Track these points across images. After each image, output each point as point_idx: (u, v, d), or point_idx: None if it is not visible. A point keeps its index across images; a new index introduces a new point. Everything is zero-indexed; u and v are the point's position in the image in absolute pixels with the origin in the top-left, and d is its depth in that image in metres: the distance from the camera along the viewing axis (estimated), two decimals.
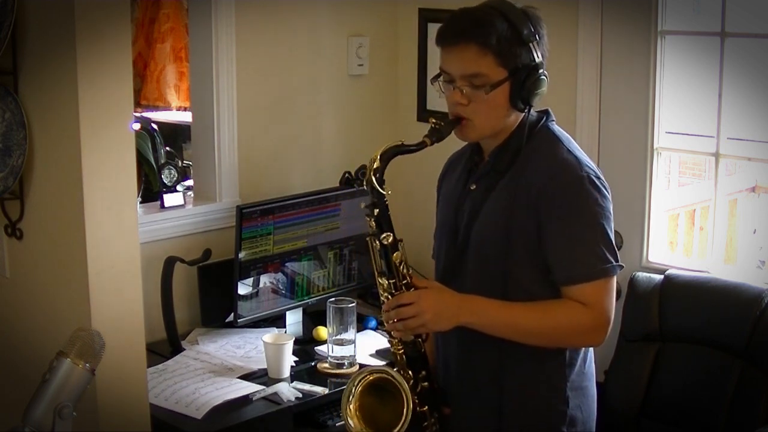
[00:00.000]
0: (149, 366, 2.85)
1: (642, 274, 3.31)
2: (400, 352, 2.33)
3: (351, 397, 2.28)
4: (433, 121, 2.26)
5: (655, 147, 3.40)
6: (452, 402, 2.41)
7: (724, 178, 3.36)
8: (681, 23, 3.33)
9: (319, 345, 3.40)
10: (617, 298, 3.45)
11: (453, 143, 2.45)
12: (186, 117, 5.04)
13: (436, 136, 2.24)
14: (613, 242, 2.24)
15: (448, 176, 2.51)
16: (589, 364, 2.39)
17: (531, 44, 2.23)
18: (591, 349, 2.40)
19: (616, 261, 2.23)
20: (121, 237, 2.53)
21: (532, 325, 2.23)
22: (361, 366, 3.16)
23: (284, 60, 3.71)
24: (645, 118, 3.38)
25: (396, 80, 4.05)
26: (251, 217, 3.32)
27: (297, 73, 3.76)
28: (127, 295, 2.57)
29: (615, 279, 2.25)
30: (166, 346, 3.31)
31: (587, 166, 2.27)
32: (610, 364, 3.32)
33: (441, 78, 2.29)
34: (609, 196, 2.27)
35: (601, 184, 2.26)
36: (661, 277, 3.25)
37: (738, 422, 2.96)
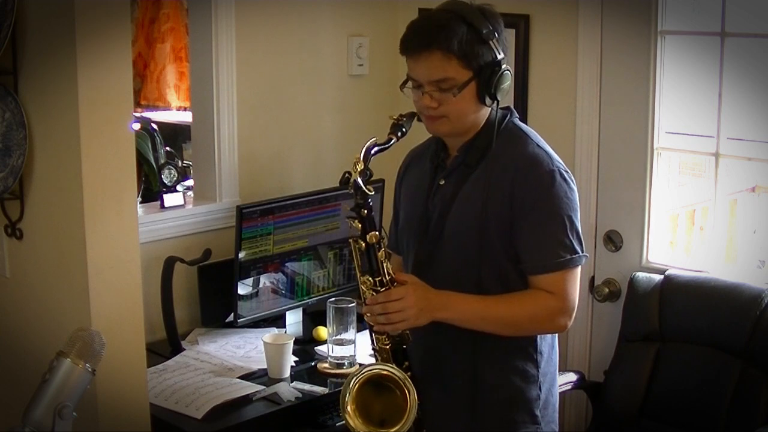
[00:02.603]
0: (149, 366, 2.85)
1: (642, 274, 3.31)
2: (387, 347, 2.39)
3: (348, 396, 2.29)
4: (394, 117, 2.37)
5: (655, 147, 3.40)
6: (425, 394, 2.43)
7: (724, 178, 3.35)
8: (681, 23, 3.33)
9: (319, 345, 3.40)
10: (616, 298, 3.48)
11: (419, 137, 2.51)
12: (186, 117, 5.04)
13: (400, 131, 2.35)
14: (580, 233, 2.35)
15: (410, 171, 2.59)
16: (555, 352, 2.51)
17: (491, 42, 2.30)
18: (556, 339, 2.50)
19: (582, 251, 2.34)
20: (121, 237, 2.53)
21: (503, 315, 2.34)
22: (361, 366, 3.16)
23: (284, 60, 3.71)
24: (645, 118, 3.38)
25: (396, 80, 4.00)
26: (251, 217, 3.32)
27: (297, 73, 3.76)
28: (127, 295, 2.57)
29: (579, 267, 2.35)
30: (166, 346, 3.31)
31: (557, 160, 2.37)
32: (610, 364, 3.32)
33: (409, 84, 2.38)
34: (576, 189, 2.38)
35: (569, 177, 2.37)
36: (661, 277, 3.25)
37: (738, 422, 2.96)
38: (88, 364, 1.85)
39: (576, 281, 2.35)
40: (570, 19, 3.49)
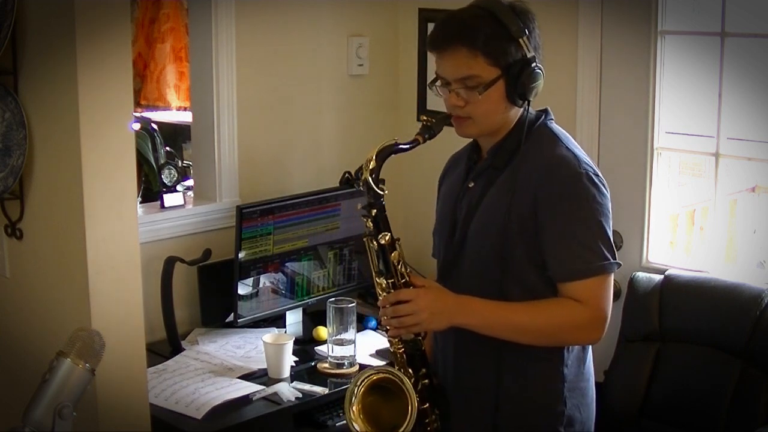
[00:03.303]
0: (149, 366, 2.85)
1: (642, 274, 3.30)
2: (401, 351, 2.33)
3: (354, 398, 2.27)
4: (425, 118, 2.29)
5: (655, 147, 3.40)
6: (447, 403, 2.40)
7: (724, 178, 3.35)
8: (681, 23, 3.33)
9: (319, 345, 3.40)
10: (616, 298, 3.47)
11: (455, 143, 2.47)
12: (186, 117, 5.04)
13: (428, 133, 2.26)
14: (611, 239, 2.24)
15: (449, 175, 2.52)
16: (587, 365, 2.40)
17: (520, 39, 2.22)
18: (589, 350, 2.40)
19: (614, 258, 2.23)
20: (121, 237, 2.53)
21: (527, 324, 2.23)
22: (361, 366, 3.16)
23: (284, 60, 3.71)
24: (645, 118, 3.38)
25: (396, 80, 4.05)
26: (251, 217, 3.32)
27: (297, 73, 3.76)
28: (127, 295, 2.57)
29: (612, 276, 2.24)
30: (166, 346, 3.31)
31: (586, 163, 2.27)
32: (610, 364, 3.32)
33: (438, 82, 2.30)
34: (608, 194, 2.27)
35: (600, 181, 2.26)
36: (661, 277, 3.25)
37: (738, 422, 2.96)
38: (88, 364, 1.85)
39: (608, 290, 2.22)
40: (570, 19, 3.49)
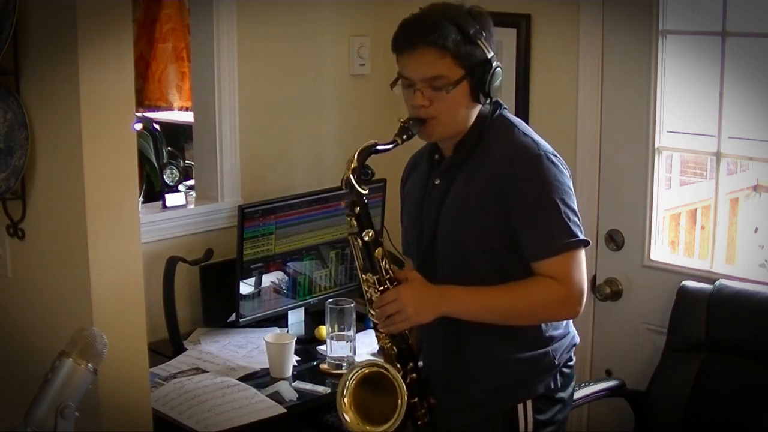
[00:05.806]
0: (151, 366, 2.86)
1: (691, 283, 3.24)
2: (389, 345, 2.40)
3: (345, 391, 2.32)
4: (402, 120, 2.36)
5: (656, 146, 3.39)
6: (438, 394, 2.47)
7: (725, 177, 3.36)
8: (682, 23, 3.33)
9: (321, 344, 3.40)
10: (617, 297, 3.47)
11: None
12: (188, 117, 5.04)
13: (406, 134, 2.34)
14: (577, 216, 2.33)
15: (412, 176, 2.61)
16: (572, 337, 2.50)
17: (479, 41, 2.31)
18: (569, 324, 2.49)
19: (581, 234, 2.32)
20: (123, 237, 2.54)
21: (508, 306, 2.33)
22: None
23: (286, 59, 3.72)
24: (646, 117, 3.38)
25: None
26: (253, 216, 3.32)
27: (298, 72, 3.76)
28: (129, 295, 2.57)
29: (582, 251, 2.33)
30: (168, 345, 3.31)
31: (543, 146, 2.37)
32: (653, 373, 3.23)
33: (400, 82, 2.37)
34: (567, 172, 2.36)
35: (558, 161, 2.35)
36: (710, 286, 3.18)
37: None
38: (90, 364, 1.86)
39: (579, 265, 2.31)
40: (571, 19, 3.49)
